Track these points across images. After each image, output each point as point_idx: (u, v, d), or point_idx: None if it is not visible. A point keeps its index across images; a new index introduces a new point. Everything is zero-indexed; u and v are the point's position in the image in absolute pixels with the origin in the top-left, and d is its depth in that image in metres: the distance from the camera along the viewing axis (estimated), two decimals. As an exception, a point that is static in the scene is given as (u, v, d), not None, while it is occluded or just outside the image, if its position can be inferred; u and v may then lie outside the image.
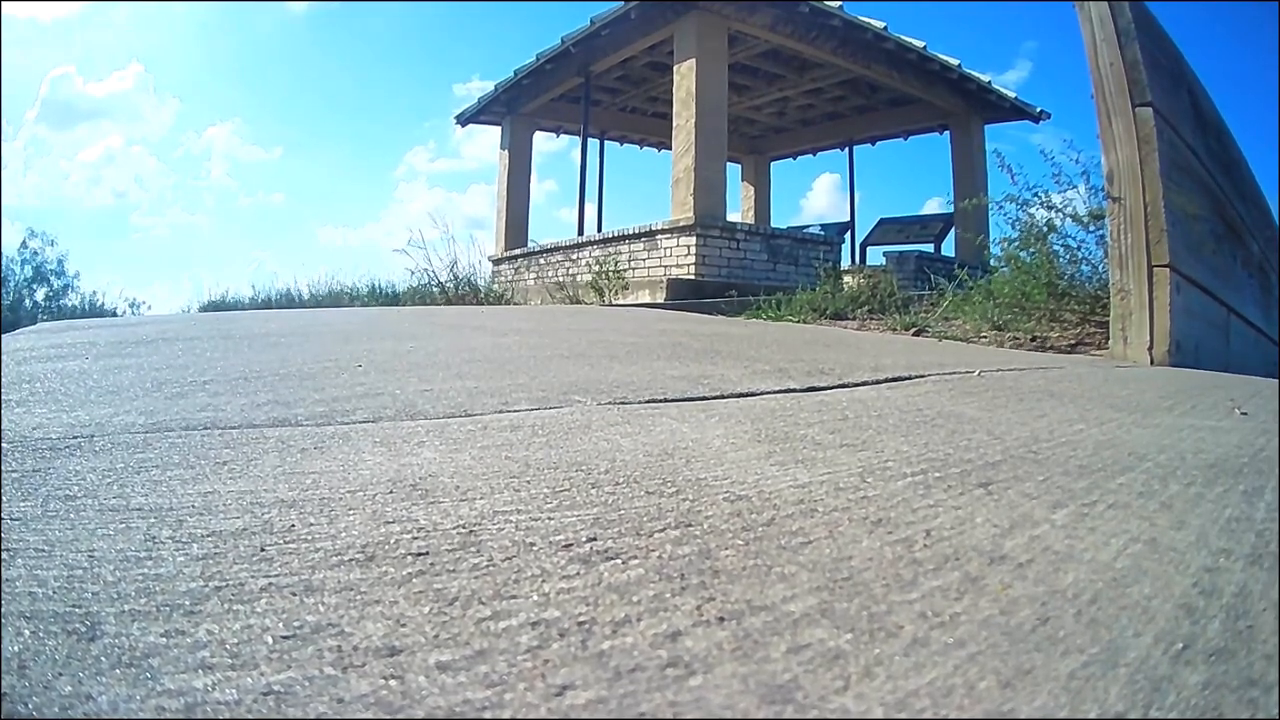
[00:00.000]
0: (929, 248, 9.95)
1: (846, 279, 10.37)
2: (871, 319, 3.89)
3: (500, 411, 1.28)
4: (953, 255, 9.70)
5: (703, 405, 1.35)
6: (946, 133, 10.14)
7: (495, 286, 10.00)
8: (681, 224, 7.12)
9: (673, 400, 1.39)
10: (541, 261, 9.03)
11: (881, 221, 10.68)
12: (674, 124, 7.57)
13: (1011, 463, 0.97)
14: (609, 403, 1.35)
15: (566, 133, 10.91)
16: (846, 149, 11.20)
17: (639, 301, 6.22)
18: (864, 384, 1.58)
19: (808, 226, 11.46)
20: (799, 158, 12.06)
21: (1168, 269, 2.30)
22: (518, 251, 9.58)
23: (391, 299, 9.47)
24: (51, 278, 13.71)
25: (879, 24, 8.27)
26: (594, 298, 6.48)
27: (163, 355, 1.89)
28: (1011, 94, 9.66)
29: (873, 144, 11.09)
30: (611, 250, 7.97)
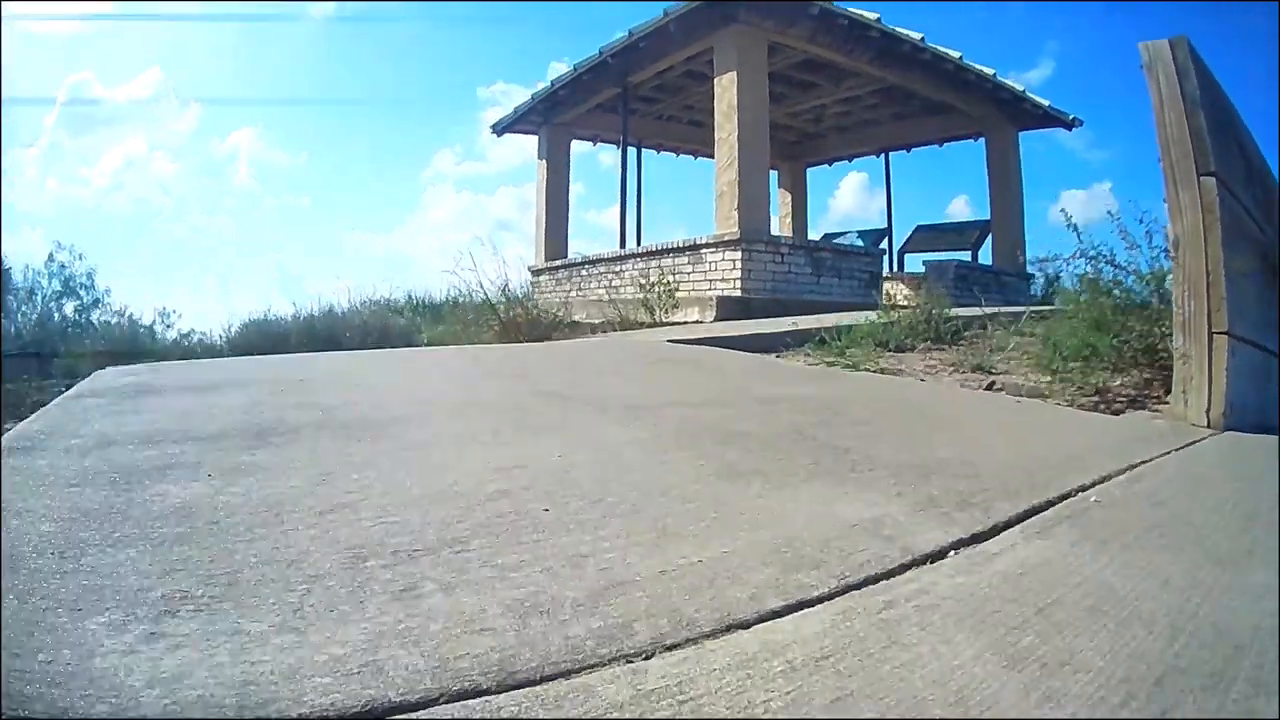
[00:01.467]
0: (966, 255, 10.01)
1: (887, 286, 10.49)
2: (934, 353, 3.97)
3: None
4: (990, 263, 9.77)
5: (919, 598, 1.03)
6: (981, 139, 10.17)
7: (535, 296, 10.23)
8: (726, 239, 7.25)
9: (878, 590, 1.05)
10: (584, 273, 9.18)
11: (919, 228, 10.74)
12: (716, 136, 7.69)
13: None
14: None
15: (604, 141, 11.05)
16: (882, 155, 11.26)
17: (689, 319, 6.39)
18: (1022, 518, 1.40)
19: (844, 233, 11.56)
20: (834, 164, 12.16)
21: (1226, 336, 2.41)
22: (558, 263, 9.71)
23: (434, 312, 9.62)
24: (81, 291, 14.11)
25: (916, 35, 8.31)
26: (643, 315, 6.64)
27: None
28: (1045, 102, 9.66)
29: (908, 150, 11.13)
30: (655, 263, 8.11)
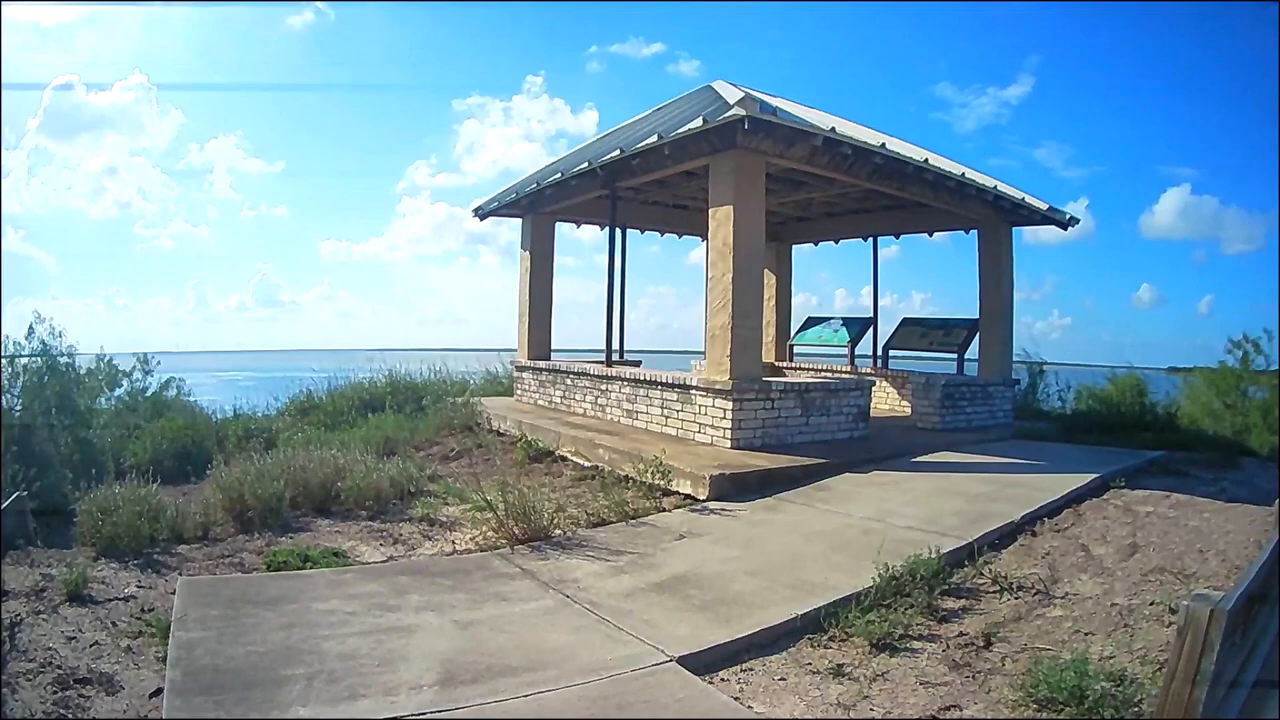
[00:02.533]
0: (952, 357, 10.01)
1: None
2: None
3: None
4: (975, 375, 9.75)
5: None
6: (973, 231, 10.09)
7: (518, 392, 10.01)
8: (718, 386, 7.08)
9: None
10: (569, 383, 8.93)
11: (905, 322, 10.66)
12: (709, 274, 7.47)
13: None
14: None
15: (587, 223, 10.78)
16: (870, 239, 11.13)
17: (681, 490, 6.23)
18: None
19: (829, 319, 11.50)
20: (819, 244, 12.02)
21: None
22: (543, 365, 9.45)
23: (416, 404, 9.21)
24: (124, 379, 13.50)
25: (919, 157, 8.14)
26: (632, 492, 6.39)
27: None
28: (1043, 206, 9.58)
29: (896, 237, 11.03)
30: (644, 392, 7.92)
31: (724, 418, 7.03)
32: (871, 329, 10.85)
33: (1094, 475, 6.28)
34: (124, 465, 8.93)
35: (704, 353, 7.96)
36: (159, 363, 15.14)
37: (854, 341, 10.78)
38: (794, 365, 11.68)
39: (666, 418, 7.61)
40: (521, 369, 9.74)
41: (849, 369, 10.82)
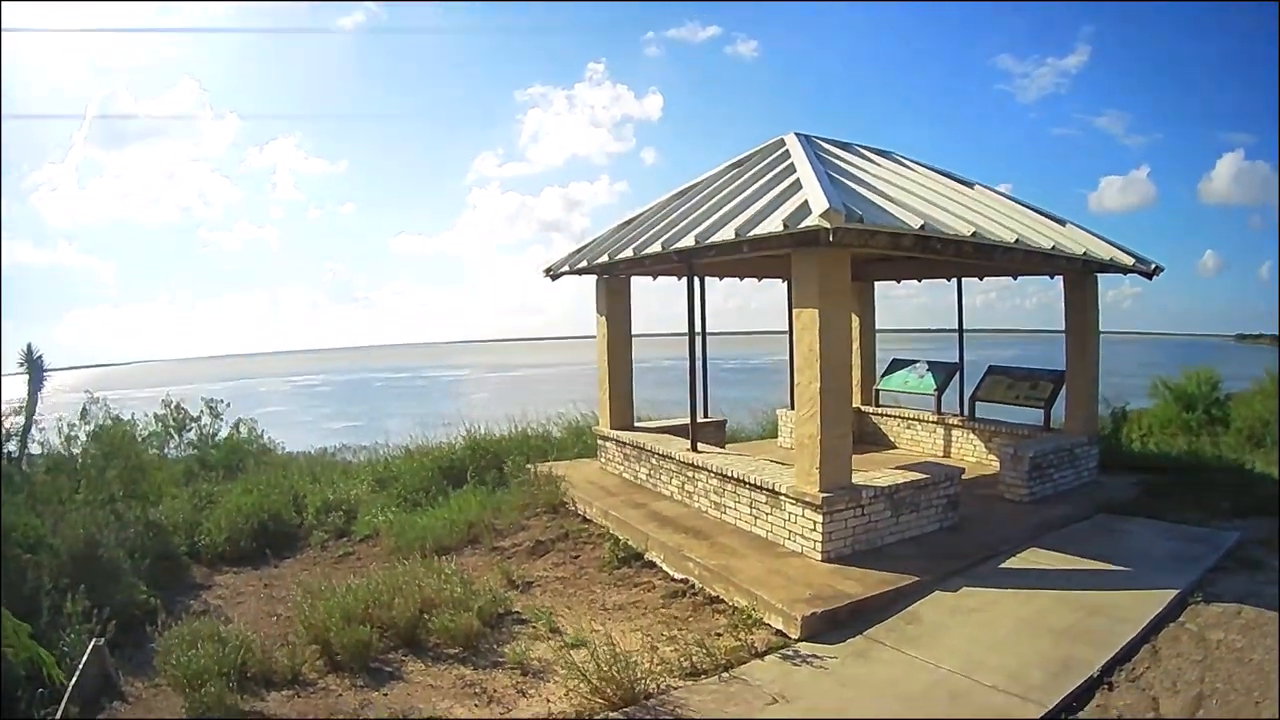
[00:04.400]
0: (1039, 412, 9.74)
1: (957, 434, 10.24)
2: None
3: None
4: (1060, 432, 9.45)
5: None
6: (1058, 277, 9.62)
7: (603, 463, 10.16)
8: (807, 498, 7.03)
9: None
10: (654, 463, 8.96)
11: (991, 370, 10.31)
12: (796, 380, 7.34)
13: None
14: None
15: (666, 274, 10.62)
16: (954, 280, 10.70)
17: (773, 624, 6.29)
18: None
19: (915, 362, 11.22)
20: (903, 282, 11.61)
21: None
22: (626, 440, 9.46)
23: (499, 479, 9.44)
24: (191, 423, 14.18)
25: (1010, 238, 7.75)
26: (724, 619, 6.49)
27: None
28: (1130, 260, 9.02)
29: (980, 279, 10.57)
30: (731, 488, 7.91)
31: (814, 529, 7.02)
32: (958, 373, 10.57)
33: (1173, 593, 6.20)
34: (198, 546, 9.11)
35: (790, 378, 7.85)
36: (228, 405, 15.83)
37: (940, 390, 10.54)
38: (879, 410, 11.50)
39: (755, 519, 7.64)
40: (605, 438, 9.84)
41: (936, 416, 10.62)
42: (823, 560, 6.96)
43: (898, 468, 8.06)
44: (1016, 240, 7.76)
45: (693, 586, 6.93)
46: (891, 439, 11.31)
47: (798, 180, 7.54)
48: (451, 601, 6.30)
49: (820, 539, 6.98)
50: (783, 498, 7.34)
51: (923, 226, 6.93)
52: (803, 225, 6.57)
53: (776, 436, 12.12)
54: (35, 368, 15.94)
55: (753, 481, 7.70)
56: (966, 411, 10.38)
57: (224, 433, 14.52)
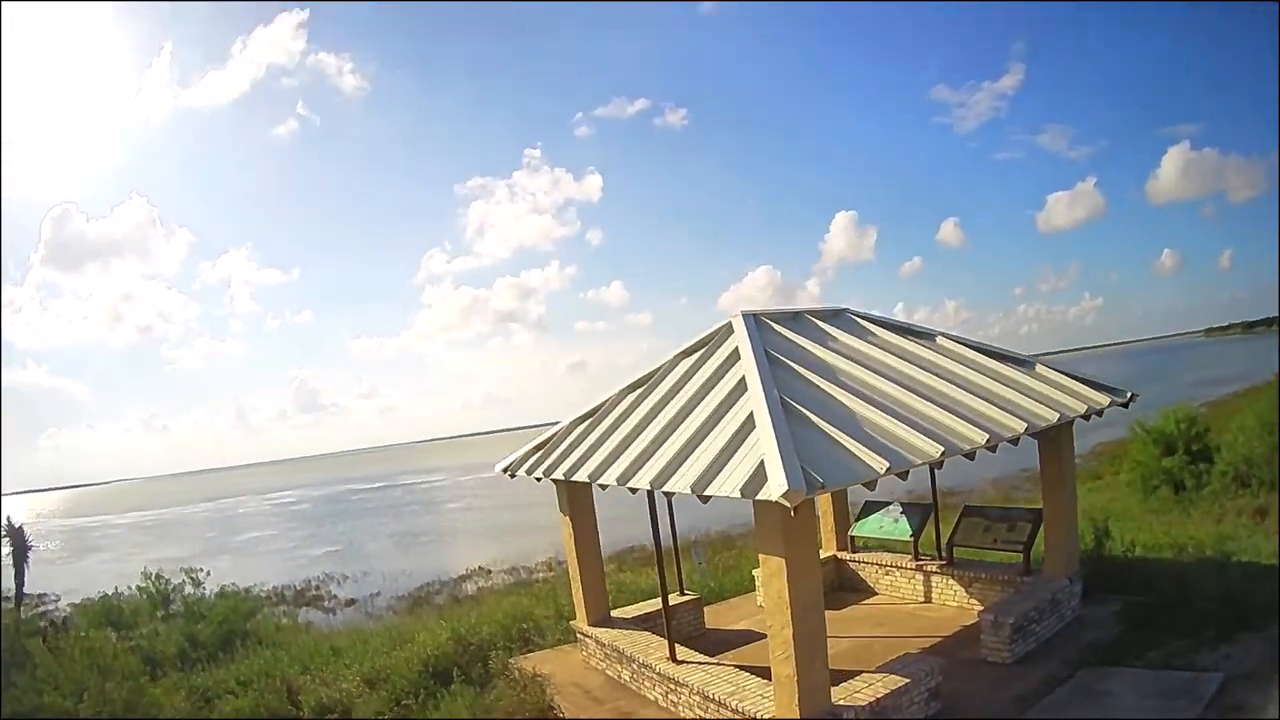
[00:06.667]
0: (1018, 556, 9.64)
1: (936, 580, 10.09)
2: None
3: None
4: (1041, 579, 9.35)
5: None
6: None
7: (588, 660, 9.94)
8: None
9: None
10: (635, 668, 8.68)
11: (967, 511, 10.15)
12: (768, 619, 7.16)
13: None
14: None
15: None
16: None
17: None
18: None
19: (888, 504, 11.02)
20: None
21: None
22: (606, 640, 9.18)
23: None
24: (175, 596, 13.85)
25: (981, 439, 7.46)
26: None
27: None
28: (1105, 401, 8.86)
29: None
30: (715, 708, 7.76)
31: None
32: (933, 514, 10.41)
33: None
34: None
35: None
36: (208, 573, 15.61)
37: (916, 535, 10.39)
38: (855, 558, 11.25)
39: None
40: (585, 635, 9.62)
41: (914, 564, 10.50)
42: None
43: (878, 669, 7.90)
44: (988, 439, 7.53)
45: None
46: (871, 584, 11.14)
47: (751, 416, 7.23)
48: None
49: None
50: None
51: (888, 470, 6.69)
52: (760, 498, 6.30)
53: (752, 590, 11.70)
54: (18, 538, 15.40)
55: (733, 707, 7.56)
56: (945, 556, 10.27)
57: (208, 594, 14.36)
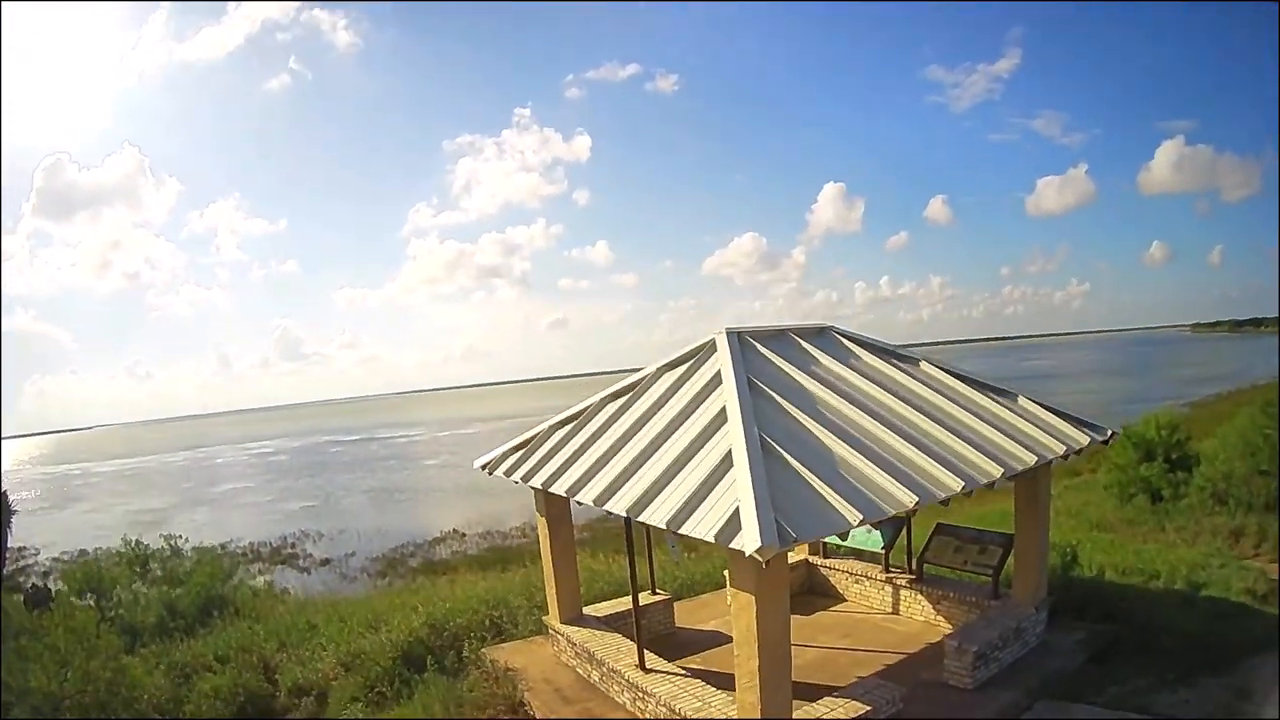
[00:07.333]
0: (987, 579, 9.77)
1: (905, 594, 10.21)
2: None
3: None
4: (1007, 604, 9.48)
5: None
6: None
7: (559, 656, 10.13)
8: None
9: None
10: (605, 671, 8.84)
11: (939, 529, 10.22)
12: (735, 649, 7.26)
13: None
14: None
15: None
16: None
17: None
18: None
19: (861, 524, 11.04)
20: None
21: None
22: (577, 640, 9.34)
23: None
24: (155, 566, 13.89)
25: (957, 486, 7.45)
26: None
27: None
28: (1085, 440, 8.85)
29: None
30: (680, 727, 8.02)
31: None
32: (905, 528, 10.50)
33: None
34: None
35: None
36: (185, 539, 15.76)
37: (888, 547, 10.49)
38: (827, 564, 11.43)
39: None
40: (557, 632, 9.78)
41: (885, 575, 10.65)
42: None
43: (838, 694, 8.09)
44: (963, 487, 7.52)
45: None
46: (840, 591, 11.32)
47: (729, 455, 7.17)
48: None
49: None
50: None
51: (861, 521, 6.70)
52: (734, 546, 6.30)
53: (724, 586, 11.80)
54: (1, 503, 15.39)
55: (700, 720, 7.76)
56: (915, 571, 10.41)
57: (187, 564, 14.50)
